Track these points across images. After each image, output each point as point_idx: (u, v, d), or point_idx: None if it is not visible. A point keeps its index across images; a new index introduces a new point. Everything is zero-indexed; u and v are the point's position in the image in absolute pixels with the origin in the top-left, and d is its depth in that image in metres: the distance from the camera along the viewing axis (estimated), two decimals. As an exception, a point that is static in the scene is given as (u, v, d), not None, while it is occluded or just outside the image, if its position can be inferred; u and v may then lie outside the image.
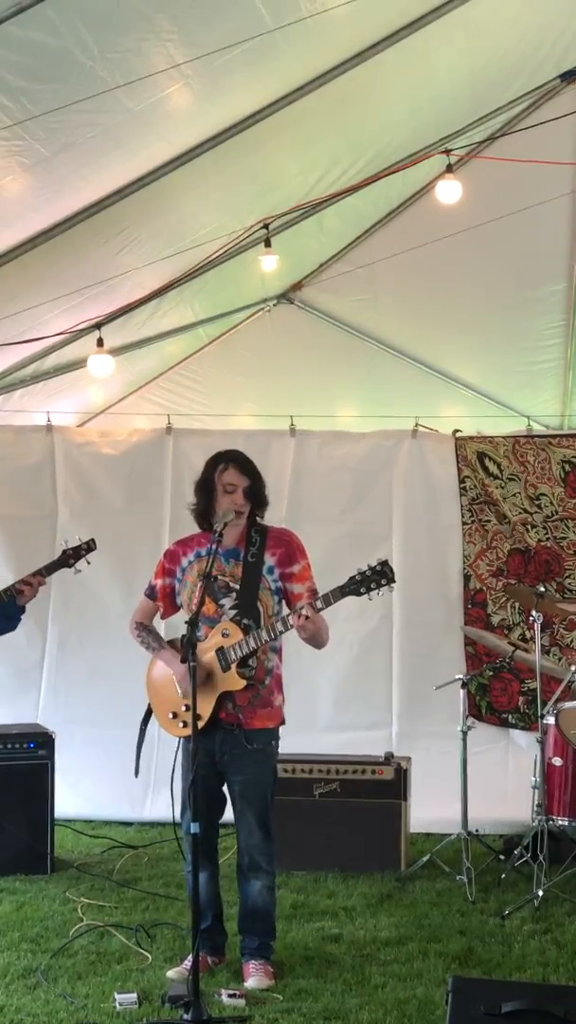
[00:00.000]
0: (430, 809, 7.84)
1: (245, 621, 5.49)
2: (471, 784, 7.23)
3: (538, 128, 7.42)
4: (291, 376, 9.45)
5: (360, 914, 6.47)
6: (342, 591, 5.33)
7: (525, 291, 8.77)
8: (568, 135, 7.61)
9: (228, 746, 5.54)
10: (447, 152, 7.27)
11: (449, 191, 7.28)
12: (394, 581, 5.33)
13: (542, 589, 7.09)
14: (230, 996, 5.19)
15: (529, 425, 9.49)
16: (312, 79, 6.08)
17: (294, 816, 7.06)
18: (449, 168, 7.28)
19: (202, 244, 7.33)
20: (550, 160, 7.42)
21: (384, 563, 5.32)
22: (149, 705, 5.78)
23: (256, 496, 5.67)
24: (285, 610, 5.60)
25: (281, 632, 5.45)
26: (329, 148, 7.14)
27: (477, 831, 7.28)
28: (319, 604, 5.35)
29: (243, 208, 7.34)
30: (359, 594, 5.33)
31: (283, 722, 5.68)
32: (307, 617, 5.30)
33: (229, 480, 5.61)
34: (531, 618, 7.02)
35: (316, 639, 5.45)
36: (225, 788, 5.66)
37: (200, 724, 5.38)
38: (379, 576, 5.30)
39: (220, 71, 5.46)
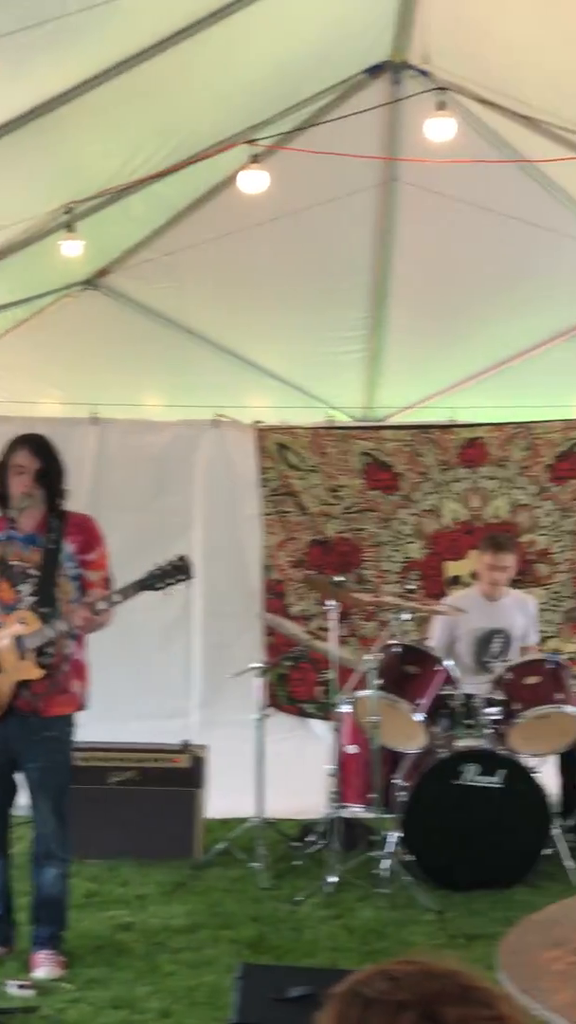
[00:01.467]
0: (228, 797, 7.85)
1: (43, 610, 5.43)
2: (270, 773, 7.26)
3: (345, 121, 7.48)
4: (96, 363, 9.37)
5: (153, 902, 6.45)
6: (139, 586, 5.31)
7: (331, 282, 8.85)
8: (374, 129, 7.69)
9: (23, 733, 5.46)
10: (251, 142, 7.27)
11: (253, 181, 7.29)
12: (192, 576, 5.35)
13: (339, 579, 7.17)
14: (19, 987, 5.13)
15: (329, 416, 9.58)
16: (117, 63, 6.01)
17: (90, 804, 6.98)
18: (254, 158, 7.28)
19: (3, 227, 7.20)
20: (356, 154, 7.49)
21: (182, 558, 5.33)
22: None
23: (49, 480, 5.57)
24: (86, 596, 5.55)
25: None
26: (135, 134, 7.08)
27: (273, 819, 7.34)
28: (116, 598, 5.32)
29: (46, 192, 7.23)
30: (155, 589, 5.32)
31: (81, 707, 5.62)
32: (98, 611, 5.29)
33: (18, 462, 5.50)
34: (326, 607, 7.10)
35: (94, 630, 5.45)
36: (18, 776, 5.59)
37: (-4, 713, 5.32)
38: (177, 571, 5.30)
39: (22, 51, 5.37)
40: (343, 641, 8.44)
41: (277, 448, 9.32)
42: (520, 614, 7.76)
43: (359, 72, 7.47)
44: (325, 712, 8.74)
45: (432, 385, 9.77)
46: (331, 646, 7.05)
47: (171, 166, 7.38)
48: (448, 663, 7.05)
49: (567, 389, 9.54)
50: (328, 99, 7.62)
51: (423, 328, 9.26)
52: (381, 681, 6.76)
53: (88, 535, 5.60)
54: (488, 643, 7.63)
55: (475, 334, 9.26)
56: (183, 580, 5.30)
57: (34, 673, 5.39)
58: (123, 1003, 5.01)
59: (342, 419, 9.74)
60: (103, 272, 8.88)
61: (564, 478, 9.32)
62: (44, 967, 5.37)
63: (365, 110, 7.39)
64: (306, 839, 7.27)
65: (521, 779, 6.72)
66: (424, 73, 7.29)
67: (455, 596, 8.07)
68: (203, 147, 7.38)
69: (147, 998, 5.05)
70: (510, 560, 7.64)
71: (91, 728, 5.93)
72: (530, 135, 7.47)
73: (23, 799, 5.65)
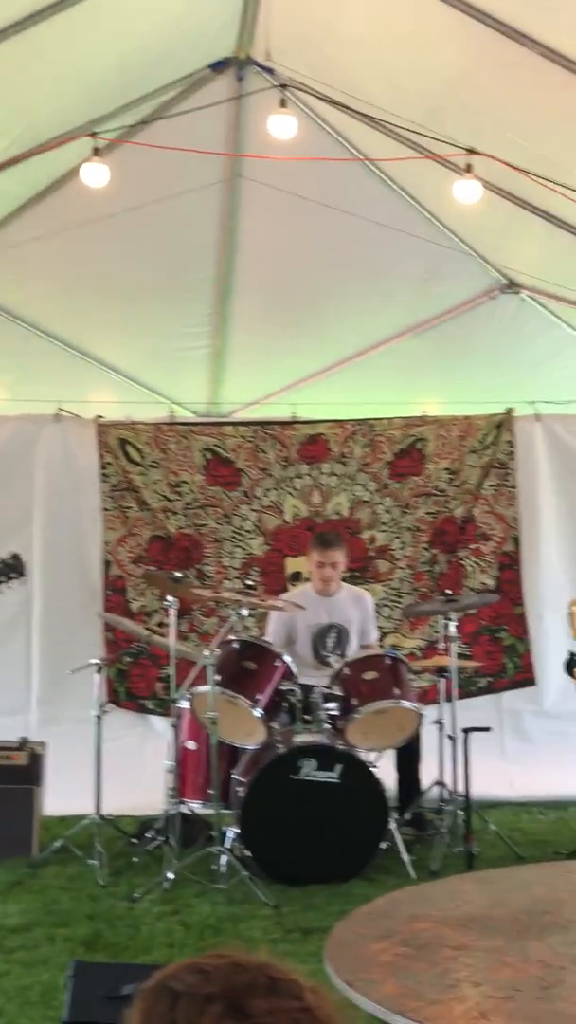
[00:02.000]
0: (66, 794, 7.79)
1: None
2: (110, 769, 7.21)
3: (189, 117, 7.47)
4: None
5: (-12, 902, 6.38)
6: None
7: (175, 278, 8.83)
8: (218, 125, 7.69)
9: None
10: (94, 135, 7.21)
11: (95, 174, 7.21)
12: (24, 575, 5.29)
13: (178, 575, 7.15)
14: None
15: (171, 411, 9.56)
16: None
17: None
18: (96, 151, 7.22)
19: None
20: (200, 149, 7.48)
21: (15, 556, 5.27)
22: None
23: None
24: None
25: None
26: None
27: (112, 815, 7.30)
28: None
29: None
30: None
31: None
32: None
33: None
34: (165, 603, 7.08)
35: None
36: None
37: None
38: (9, 569, 5.25)
39: None
40: (183, 637, 8.46)
41: (118, 443, 9.27)
42: (355, 609, 7.83)
43: (203, 67, 7.46)
44: (165, 708, 8.72)
45: (276, 381, 9.80)
46: (171, 642, 7.03)
47: (12, 158, 7.28)
48: (287, 658, 7.08)
49: (408, 386, 9.65)
50: (172, 93, 7.60)
51: (267, 324, 9.29)
52: (220, 677, 6.76)
53: None
54: (324, 638, 7.69)
55: (319, 331, 9.31)
56: (15, 578, 5.24)
57: None
58: (-46, 1005, 4.94)
59: (186, 415, 9.72)
60: (-57, 263, 8.73)
61: (404, 475, 9.43)
62: None
63: (208, 105, 7.39)
64: (145, 835, 7.24)
65: (358, 774, 6.77)
66: (268, 70, 7.31)
67: (291, 592, 8.12)
68: (45, 139, 7.30)
69: (-22, 999, 4.99)
70: (338, 556, 7.72)
71: None
72: (372, 134, 7.54)
73: None
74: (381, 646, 8.05)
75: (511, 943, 3.10)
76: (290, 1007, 1.39)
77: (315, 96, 7.43)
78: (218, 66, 7.47)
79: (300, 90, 7.40)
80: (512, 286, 9.02)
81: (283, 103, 6.91)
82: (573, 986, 2.81)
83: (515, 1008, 2.67)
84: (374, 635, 7.97)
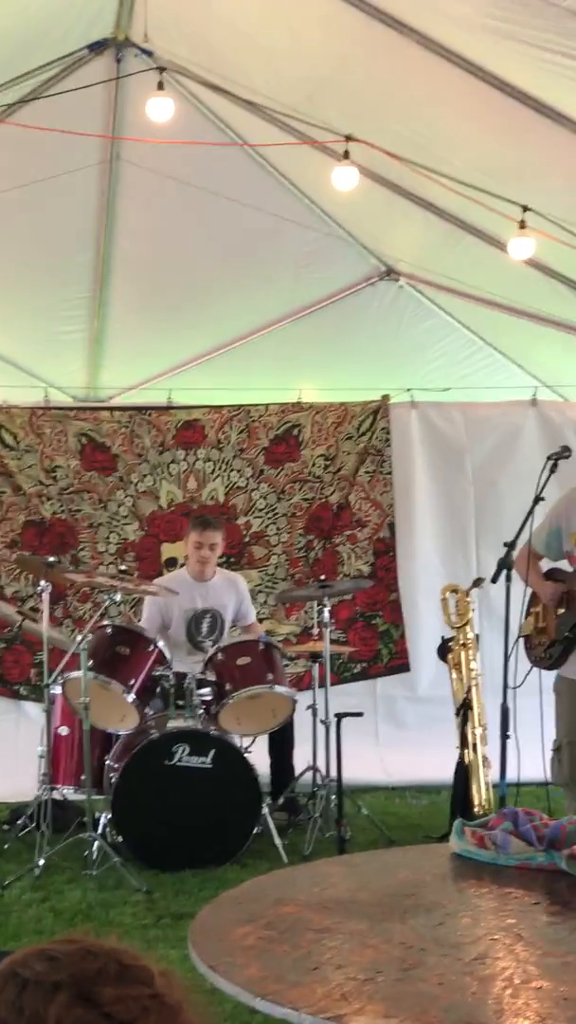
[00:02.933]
0: None
1: None
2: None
3: (67, 97, 7.37)
4: None
5: None
6: None
7: (52, 260, 8.72)
8: (97, 107, 7.60)
9: None
10: (-34, 115, 7.11)
11: (-30, 153, 7.12)
12: None
13: (52, 560, 7.10)
14: None
15: (47, 395, 9.47)
16: None
17: None
18: (-30, 130, 7.11)
19: None
20: (78, 131, 7.40)
21: None
22: None
23: None
24: None
25: None
26: None
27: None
28: None
29: None
30: None
31: None
32: None
33: None
34: (39, 588, 7.02)
35: None
36: None
37: None
38: None
39: None
40: (57, 622, 8.40)
41: (-8, 428, 9.17)
42: (230, 593, 7.85)
43: (81, 48, 7.37)
44: (38, 694, 8.65)
45: (154, 366, 9.75)
46: (44, 627, 6.98)
47: None
48: (160, 644, 7.06)
49: (286, 373, 9.66)
50: (50, 73, 7.49)
51: (146, 309, 9.24)
52: (93, 662, 6.73)
53: None
54: (199, 623, 7.70)
55: (198, 316, 9.28)
56: None
57: None
58: None
59: (63, 399, 9.64)
60: None
61: (280, 461, 9.45)
62: None
63: (86, 86, 7.30)
64: (17, 822, 7.19)
65: (231, 759, 6.80)
66: (147, 52, 7.26)
67: (166, 577, 8.11)
68: None
69: None
70: (217, 538, 7.72)
71: None
72: (252, 119, 7.52)
73: None
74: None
75: (374, 926, 3.12)
76: (139, 994, 1.38)
77: (194, 80, 7.39)
78: (96, 47, 7.38)
79: (179, 73, 7.35)
80: (391, 273, 9.07)
81: (160, 86, 6.85)
82: (433, 967, 2.84)
83: (375, 989, 2.69)
84: (252, 616, 7.99)
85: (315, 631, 7.66)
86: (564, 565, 6.07)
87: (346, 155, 7.03)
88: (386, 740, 9.12)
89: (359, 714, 7.28)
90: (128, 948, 1.46)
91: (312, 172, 7.76)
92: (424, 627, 9.19)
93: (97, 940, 1.47)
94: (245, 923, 3.16)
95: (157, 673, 6.97)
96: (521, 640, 6.18)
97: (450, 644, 7.37)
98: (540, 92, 5.94)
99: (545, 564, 6.20)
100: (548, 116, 6.04)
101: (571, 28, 5.17)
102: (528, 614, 6.22)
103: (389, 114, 6.96)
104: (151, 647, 7.01)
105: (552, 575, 6.13)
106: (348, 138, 7.00)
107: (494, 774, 6.49)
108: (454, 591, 7.15)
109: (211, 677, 7.11)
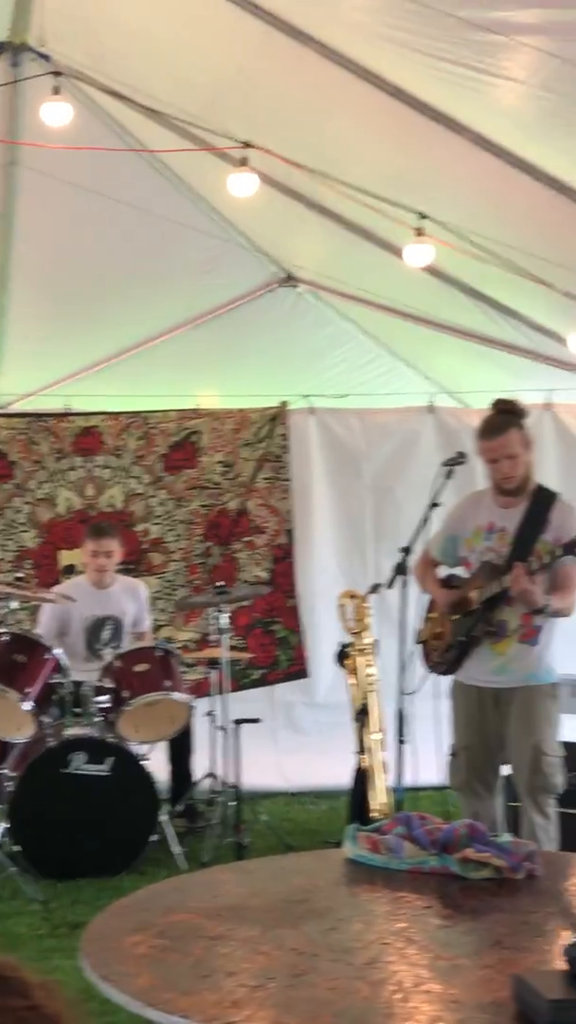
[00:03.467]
0: None
1: None
2: None
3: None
4: None
5: None
6: None
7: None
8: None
9: None
10: None
11: None
12: None
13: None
14: None
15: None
16: None
17: None
18: None
19: None
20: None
21: None
22: None
23: None
24: None
25: None
26: None
27: None
28: None
29: None
30: None
31: None
32: None
33: None
34: None
35: None
36: None
37: None
38: None
39: None
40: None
41: None
42: (130, 600, 7.82)
43: (-14, 48, 7.31)
44: None
45: (53, 373, 9.69)
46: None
47: None
48: (57, 652, 7.01)
49: (185, 379, 9.65)
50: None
51: (44, 315, 9.16)
52: (-11, 670, 6.66)
53: None
54: (99, 631, 7.66)
55: (96, 323, 9.23)
56: None
57: None
58: None
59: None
60: None
61: (178, 468, 9.43)
62: None
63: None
64: None
65: (129, 766, 6.77)
66: (44, 56, 7.20)
67: (64, 584, 8.05)
68: None
69: None
70: (113, 545, 7.70)
71: None
72: (152, 125, 7.49)
73: None
74: (155, 638, 8.04)
75: (266, 932, 3.13)
76: (16, 1005, 1.37)
77: (92, 84, 7.35)
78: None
79: (77, 79, 7.31)
80: (290, 279, 9.09)
81: (56, 90, 6.81)
82: (325, 972, 2.85)
83: (267, 996, 2.69)
84: (147, 623, 7.96)
85: (213, 637, 7.65)
86: (461, 571, 6.13)
87: (244, 161, 7.03)
88: (284, 746, 9.14)
89: (257, 720, 7.28)
90: (7, 959, 1.45)
91: (211, 178, 7.75)
92: (322, 633, 9.21)
93: (-25, 953, 1.45)
94: (137, 931, 3.15)
95: (54, 681, 6.92)
96: (419, 646, 6.23)
97: (347, 650, 7.40)
98: (436, 100, 5.98)
99: (444, 571, 6.25)
100: (443, 124, 6.08)
101: (466, 38, 5.21)
102: (426, 620, 6.27)
103: (288, 121, 6.98)
104: (48, 655, 6.95)
105: (449, 582, 6.18)
106: (247, 144, 7.01)
107: (392, 778, 6.53)
108: (352, 596, 7.18)
109: (109, 684, 7.07)
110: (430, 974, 2.86)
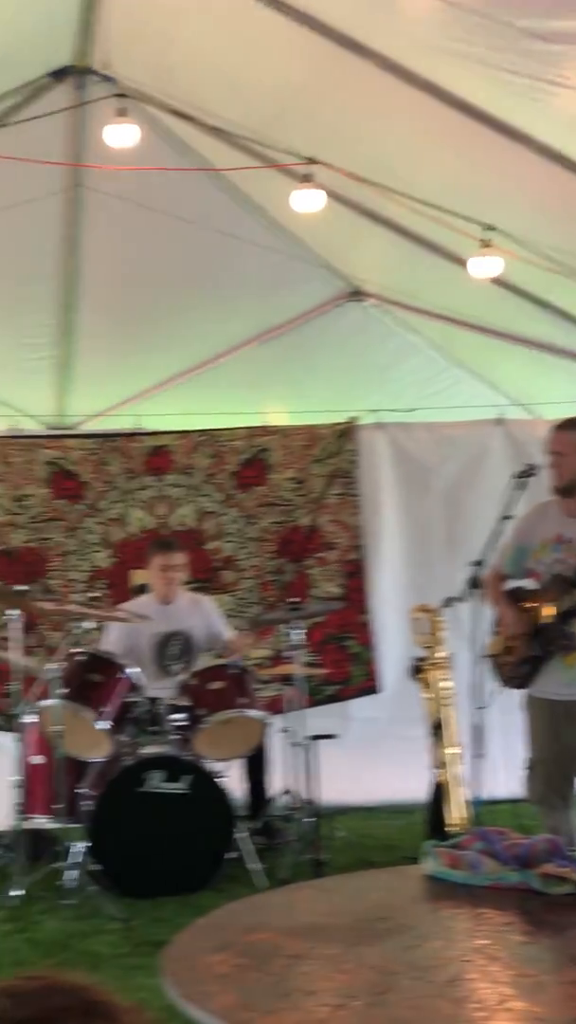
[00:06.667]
0: None
1: None
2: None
3: (29, 126, 7.37)
4: None
5: None
6: None
7: (18, 288, 8.71)
8: (59, 134, 7.61)
9: None
10: None
11: None
12: None
13: (21, 588, 7.07)
14: None
15: (13, 424, 9.46)
16: None
17: None
18: None
19: None
20: (39, 159, 7.39)
21: None
22: None
23: None
24: None
25: None
26: None
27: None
28: None
29: None
30: None
31: None
32: None
33: None
34: (4, 617, 7.00)
35: None
36: None
37: None
38: None
39: None
40: (30, 651, 8.34)
41: (-39, 457, 9.14)
42: (196, 615, 7.85)
43: (42, 75, 7.38)
44: (10, 723, 8.60)
45: (122, 392, 9.75)
46: (15, 656, 6.95)
47: None
48: (132, 670, 7.04)
49: (253, 396, 9.67)
50: (10, 103, 7.50)
51: (113, 335, 9.23)
52: (65, 690, 6.70)
53: None
54: (166, 646, 7.69)
55: (163, 341, 9.29)
56: None
57: None
58: None
59: (33, 426, 9.62)
60: None
61: (248, 485, 9.44)
62: None
63: (47, 114, 7.31)
64: (-8, 853, 7.15)
65: (206, 784, 6.79)
66: (108, 79, 7.27)
67: (132, 603, 8.07)
68: None
69: None
70: (180, 559, 7.76)
71: None
72: (216, 143, 7.54)
73: None
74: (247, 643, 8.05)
75: (347, 950, 3.11)
76: (106, 1031, 1.38)
77: (155, 105, 7.41)
78: (58, 74, 7.39)
79: (141, 100, 7.36)
80: (357, 294, 9.10)
81: (122, 112, 6.87)
82: (407, 990, 2.83)
83: (349, 1015, 2.68)
84: (227, 632, 7.97)
85: (287, 654, 7.65)
86: (528, 583, 6.10)
87: (307, 178, 7.05)
88: (359, 761, 9.09)
89: (333, 736, 7.28)
90: (95, 983, 1.46)
91: (277, 195, 7.78)
92: (395, 647, 9.18)
93: (64, 976, 1.46)
94: (218, 951, 3.14)
95: (129, 699, 6.95)
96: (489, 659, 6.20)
97: (421, 664, 7.37)
98: (499, 111, 5.98)
99: (510, 583, 6.22)
100: (507, 135, 6.08)
101: (527, 48, 5.21)
102: (494, 634, 6.24)
103: (351, 135, 7.00)
104: (122, 674, 6.99)
105: (516, 594, 6.14)
106: (311, 160, 7.03)
107: (469, 792, 6.50)
108: (425, 610, 7.15)
109: (184, 702, 7.09)
110: (513, 991, 2.83)
